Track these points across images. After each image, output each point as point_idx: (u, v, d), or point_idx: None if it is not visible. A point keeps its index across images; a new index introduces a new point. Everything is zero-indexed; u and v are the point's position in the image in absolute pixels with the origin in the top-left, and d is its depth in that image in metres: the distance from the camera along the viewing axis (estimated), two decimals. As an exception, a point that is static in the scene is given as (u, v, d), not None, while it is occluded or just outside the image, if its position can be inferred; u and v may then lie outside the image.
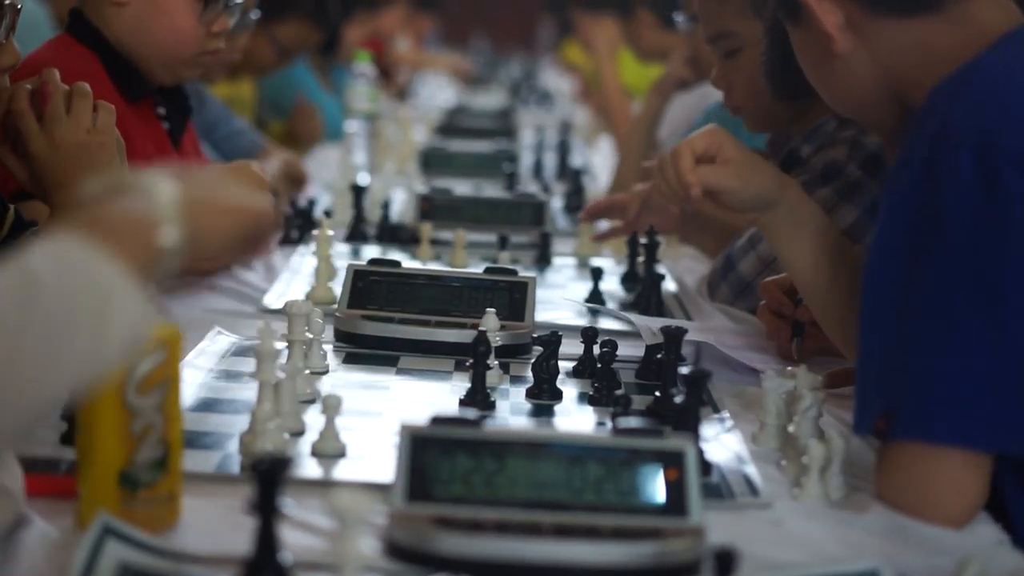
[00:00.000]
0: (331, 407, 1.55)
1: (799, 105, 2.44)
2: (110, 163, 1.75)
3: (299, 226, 2.83)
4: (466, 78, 8.14)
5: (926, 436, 1.42)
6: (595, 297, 2.39)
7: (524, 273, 2.14)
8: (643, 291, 2.35)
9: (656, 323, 2.00)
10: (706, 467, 1.53)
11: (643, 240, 2.42)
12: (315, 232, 2.44)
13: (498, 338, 1.90)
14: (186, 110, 2.48)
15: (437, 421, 1.34)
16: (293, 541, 1.24)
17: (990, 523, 1.44)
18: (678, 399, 1.56)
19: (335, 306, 2.09)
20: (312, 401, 1.73)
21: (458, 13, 11.65)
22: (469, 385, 1.77)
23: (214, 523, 1.33)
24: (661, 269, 2.41)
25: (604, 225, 2.79)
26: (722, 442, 1.65)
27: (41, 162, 1.71)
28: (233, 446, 1.55)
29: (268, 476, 1.16)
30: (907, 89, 1.57)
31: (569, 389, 1.86)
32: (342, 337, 2.04)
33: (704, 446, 1.55)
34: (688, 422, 1.51)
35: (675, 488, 1.30)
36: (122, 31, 2.29)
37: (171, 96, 2.44)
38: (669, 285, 2.46)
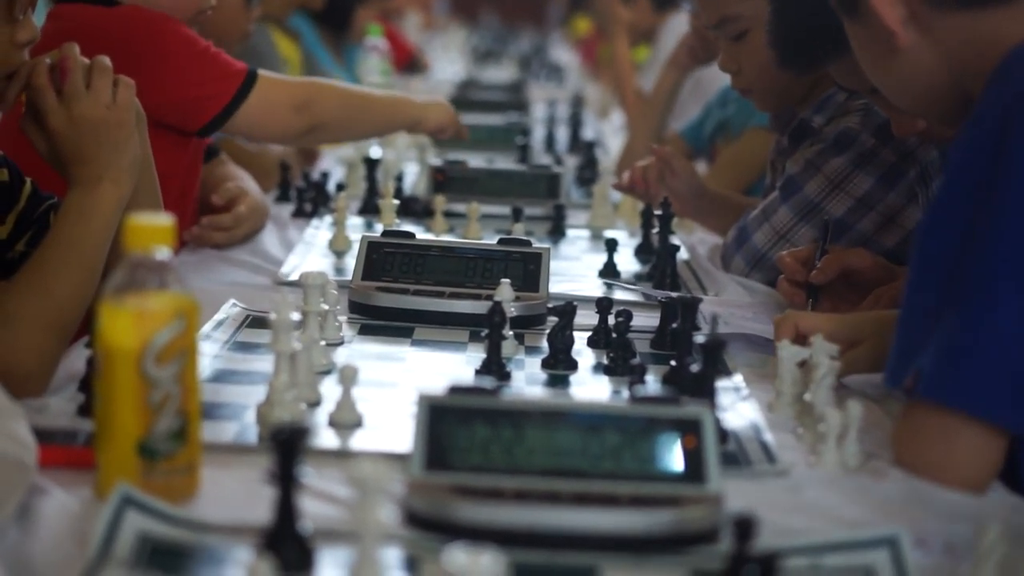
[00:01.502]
0: (348, 377, 1.55)
1: (809, 81, 2.43)
2: (129, 139, 1.75)
3: (312, 199, 2.84)
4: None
5: (950, 400, 1.41)
6: (610, 269, 2.39)
7: (538, 244, 2.14)
8: (657, 262, 2.34)
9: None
10: (723, 435, 1.54)
11: (657, 212, 2.41)
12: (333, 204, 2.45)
13: (513, 309, 1.90)
14: None
15: (454, 390, 1.34)
16: (312, 510, 1.25)
17: (1005, 490, 1.44)
18: (693, 368, 1.56)
19: (350, 278, 2.09)
20: (328, 372, 1.73)
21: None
22: (484, 356, 1.77)
23: (233, 493, 1.34)
24: (675, 240, 2.41)
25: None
26: (738, 411, 1.66)
27: (60, 137, 1.71)
28: (250, 417, 1.55)
29: (287, 445, 1.16)
30: (971, 78, 1.54)
31: (584, 359, 1.86)
32: (357, 309, 2.04)
33: (720, 415, 1.55)
34: (704, 390, 1.51)
35: (693, 456, 1.30)
36: None
37: None
38: (683, 256, 2.46)
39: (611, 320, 1.88)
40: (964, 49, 1.53)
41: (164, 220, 1.29)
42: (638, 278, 2.40)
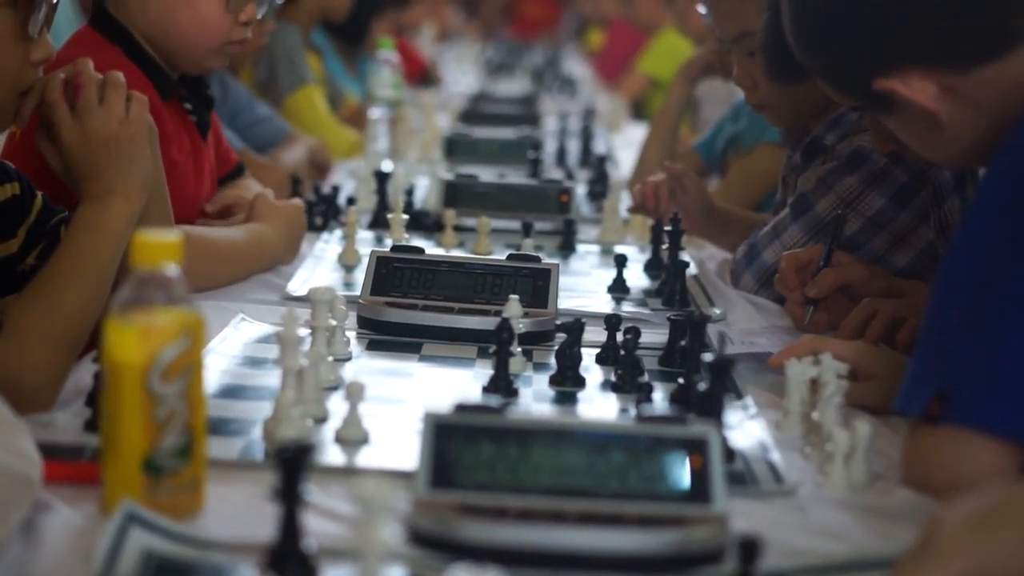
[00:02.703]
0: (355, 394, 1.55)
1: (823, 98, 2.43)
2: (140, 154, 1.75)
3: (323, 213, 2.84)
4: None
5: (981, 423, 1.39)
6: (619, 284, 2.38)
7: (547, 260, 2.14)
8: (667, 278, 2.34)
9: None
10: (729, 454, 1.53)
11: (667, 227, 2.41)
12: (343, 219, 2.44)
13: (521, 325, 1.90)
14: (209, 102, 2.47)
15: (461, 408, 1.34)
16: (316, 528, 1.24)
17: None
18: (701, 386, 1.56)
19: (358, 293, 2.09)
20: (335, 388, 1.73)
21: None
22: (492, 372, 1.77)
23: (238, 510, 1.34)
24: (685, 256, 2.40)
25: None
26: (746, 429, 1.65)
27: (72, 151, 1.72)
28: (256, 433, 1.55)
29: (292, 463, 1.16)
30: (1012, 119, 1.54)
31: (592, 376, 1.85)
32: (365, 324, 2.04)
33: (728, 433, 1.55)
34: (712, 409, 1.51)
35: (699, 475, 1.30)
36: (147, 24, 2.27)
37: (194, 88, 2.42)
38: (693, 272, 2.46)
39: (620, 337, 1.87)
40: (1000, 99, 1.54)
41: (172, 236, 1.29)
42: (647, 294, 2.39)
